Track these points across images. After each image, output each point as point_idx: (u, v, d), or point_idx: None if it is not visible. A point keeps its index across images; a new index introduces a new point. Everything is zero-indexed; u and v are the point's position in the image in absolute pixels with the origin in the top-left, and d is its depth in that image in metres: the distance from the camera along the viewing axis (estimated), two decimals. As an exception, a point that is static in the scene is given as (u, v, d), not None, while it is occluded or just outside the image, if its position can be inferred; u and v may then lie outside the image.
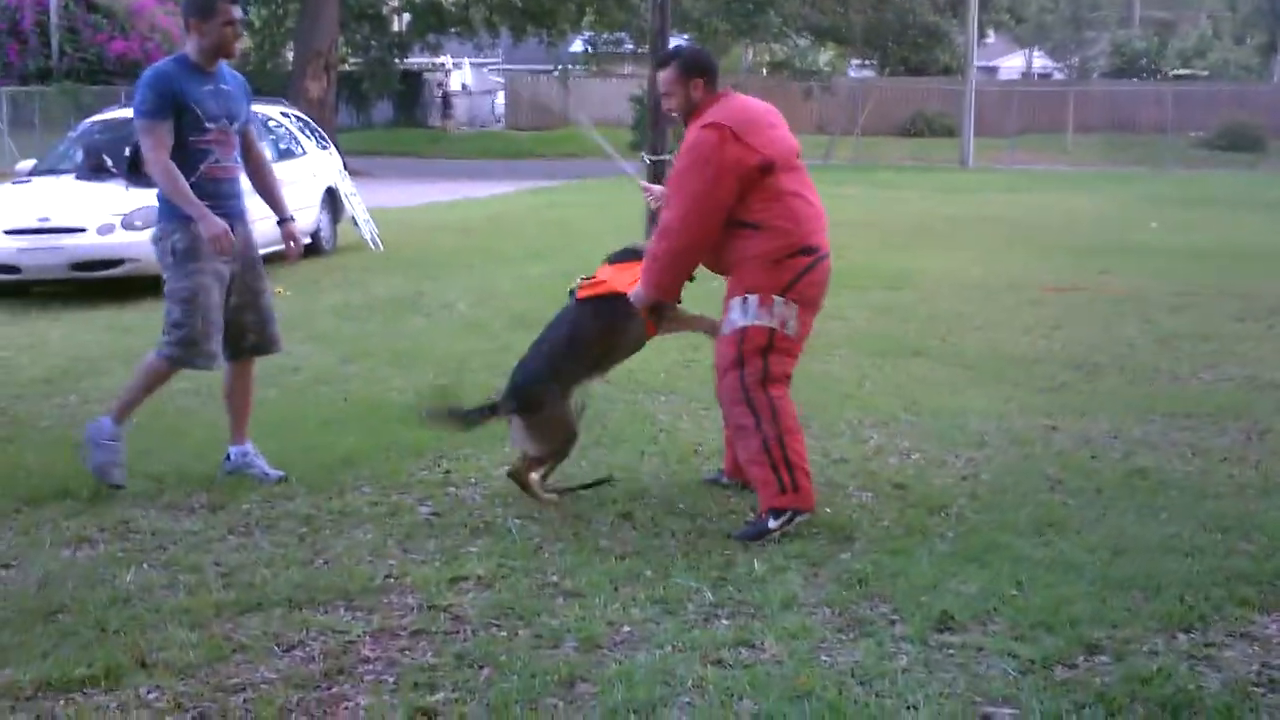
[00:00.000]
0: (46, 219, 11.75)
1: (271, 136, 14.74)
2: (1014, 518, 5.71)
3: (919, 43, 39.75)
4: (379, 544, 5.32)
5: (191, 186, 5.82)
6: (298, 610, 4.63)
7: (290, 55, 43.11)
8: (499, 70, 54.11)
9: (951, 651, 4.34)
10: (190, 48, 5.96)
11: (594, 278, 5.90)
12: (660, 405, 7.77)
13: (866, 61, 45.63)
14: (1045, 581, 4.93)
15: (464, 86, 52.27)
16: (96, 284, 12.01)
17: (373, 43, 42.64)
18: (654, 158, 12.64)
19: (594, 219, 19.19)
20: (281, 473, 6.21)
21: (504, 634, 4.45)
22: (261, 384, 8.17)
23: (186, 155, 5.86)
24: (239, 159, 6.18)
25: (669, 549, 5.29)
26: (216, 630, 4.44)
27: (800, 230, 5.51)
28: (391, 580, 4.92)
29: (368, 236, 15.48)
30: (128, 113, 13.98)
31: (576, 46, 46.86)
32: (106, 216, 11.85)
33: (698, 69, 5.67)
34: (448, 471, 6.35)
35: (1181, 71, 49.14)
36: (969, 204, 21.83)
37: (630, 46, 43.48)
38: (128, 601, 4.69)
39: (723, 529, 5.54)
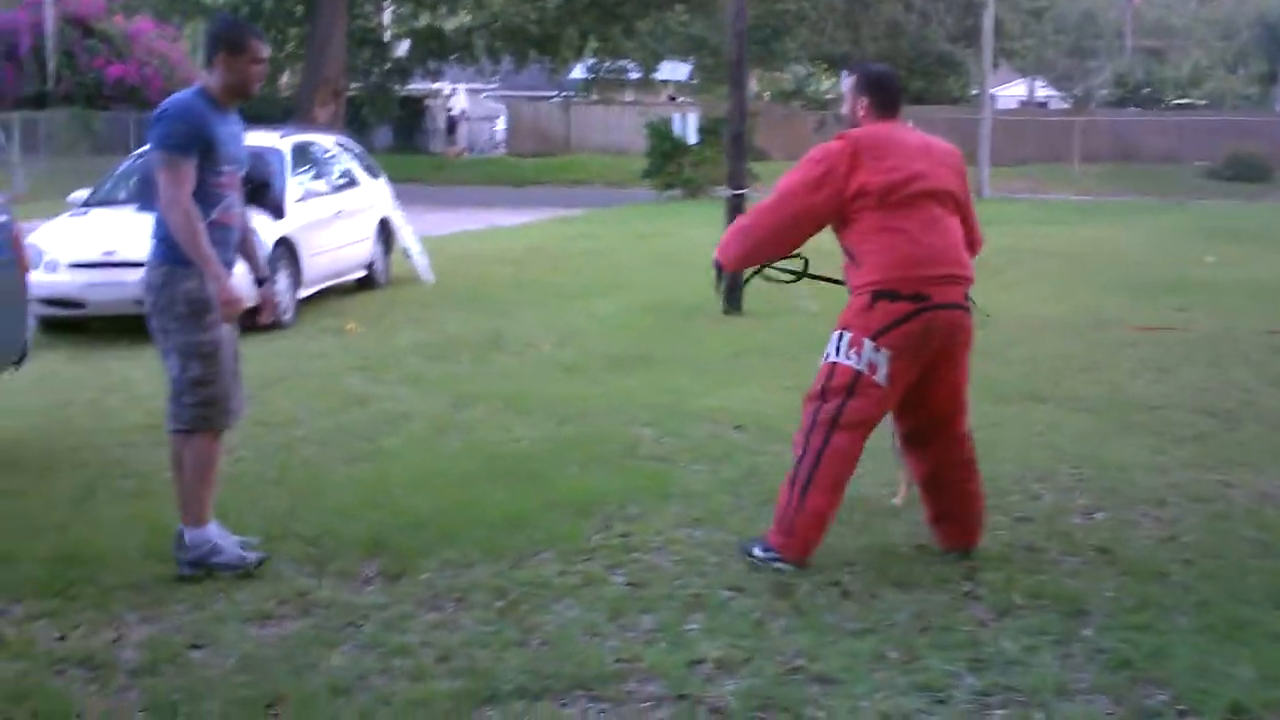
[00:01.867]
0: (112, 252, 11.25)
1: (331, 165, 14.38)
2: (1243, 588, 5.35)
3: (932, 71, 39.55)
4: (590, 621, 4.91)
5: (206, 229, 5.24)
6: (537, 701, 4.23)
7: (286, 80, 42.95)
8: (497, 96, 53.73)
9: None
10: (213, 83, 5.38)
11: None
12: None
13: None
14: (1322, 664, 4.58)
15: (463, 112, 51.83)
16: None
17: (373, 68, 42.26)
18: (735, 192, 12.23)
19: (635, 251, 18.80)
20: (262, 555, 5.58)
21: (779, 729, 4.08)
22: (381, 432, 7.87)
23: (204, 198, 5.26)
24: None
25: (901, 624, 4.91)
26: (463, 726, 4.05)
27: (893, 273, 5.26)
28: (624, 664, 4.52)
29: (420, 269, 15.07)
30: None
31: (578, 73, 46.67)
32: (175, 250, 11.42)
33: (867, 88, 5.58)
34: (624, 534, 5.93)
35: (1181, 100, 49.14)
36: (1008, 236, 21.40)
37: (635, 74, 43.35)
38: (349, 691, 4.28)
39: (946, 602, 5.16)
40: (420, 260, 15.13)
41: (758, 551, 5.45)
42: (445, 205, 28.19)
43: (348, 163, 14.84)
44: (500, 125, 50.51)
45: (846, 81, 5.76)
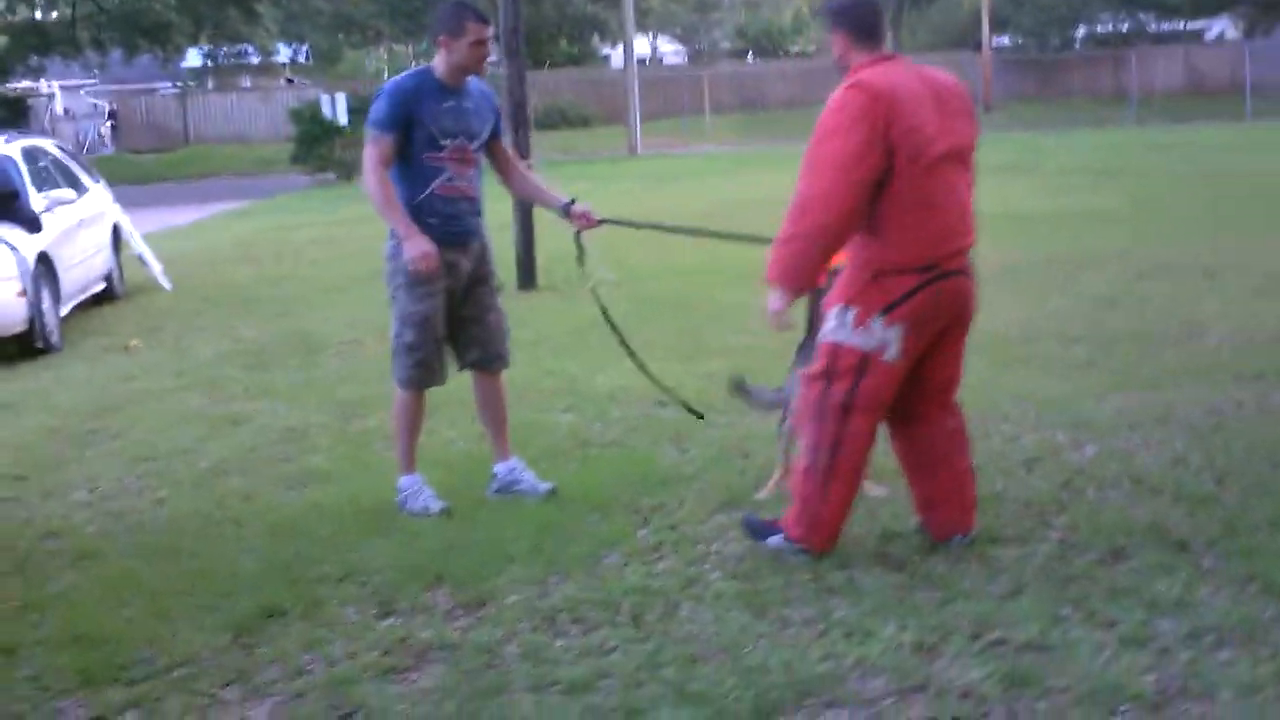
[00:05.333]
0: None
1: (60, 170, 13.00)
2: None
3: (573, 35, 39.59)
4: (740, 622, 4.52)
5: (423, 203, 5.73)
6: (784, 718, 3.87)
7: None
8: (98, 92, 50.70)
9: None
10: (438, 63, 5.82)
11: None
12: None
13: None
14: None
15: (66, 111, 48.61)
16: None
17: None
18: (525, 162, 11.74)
19: (358, 236, 17.65)
20: (551, 484, 6.09)
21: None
22: (294, 452, 7.19)
23: (419, 172, 5.74)
24: (476, 178, 5.92)
25: (1039, 579, 4.75)
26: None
27: (910, 254, 4.81)
28: (829, 663, 4.18)
29: (157, 275, 13.90)
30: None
31: (191, 60, 44.50)
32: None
33: (841, 21, 4.97)
34: (672, 527, 5.54)
35: (799, 49, 51.08)
36: (720, 190, 21.86)
37: (255, 59, 41.68)
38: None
39: (1055, 551, 5.04)
40: (155, 266, 13.96)
41: (775, 542, 5.10)
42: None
43: (73, 166, 13.51)
44: (106, 123, 47.29)
45: (826, 24, 5.13)
